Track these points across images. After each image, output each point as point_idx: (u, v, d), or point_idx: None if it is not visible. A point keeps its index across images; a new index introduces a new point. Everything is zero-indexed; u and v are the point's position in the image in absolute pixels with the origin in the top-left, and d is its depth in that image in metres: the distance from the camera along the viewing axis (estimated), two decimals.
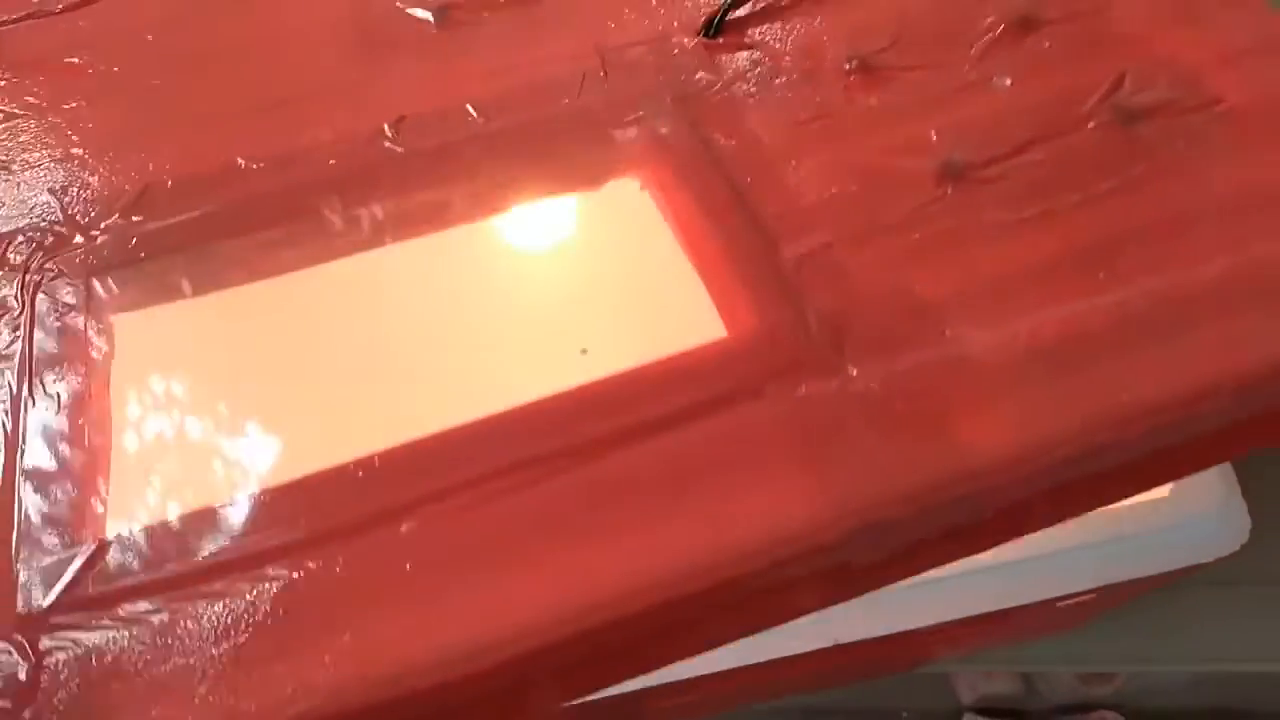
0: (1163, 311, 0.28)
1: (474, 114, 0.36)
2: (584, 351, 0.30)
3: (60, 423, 0.30)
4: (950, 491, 0.26)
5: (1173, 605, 0.49)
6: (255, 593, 0.25)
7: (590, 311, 0.32)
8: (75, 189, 0.35)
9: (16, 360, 0.31)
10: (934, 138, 0.33)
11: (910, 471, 0.26)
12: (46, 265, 0.33)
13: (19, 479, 0.28)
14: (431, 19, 0.39)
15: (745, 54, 0.37)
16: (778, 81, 0.36)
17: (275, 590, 0.25)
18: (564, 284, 0.33)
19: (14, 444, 0.29)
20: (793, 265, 0.30)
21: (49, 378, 0.31)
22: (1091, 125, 0.33)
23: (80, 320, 0.32)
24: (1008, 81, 0.35)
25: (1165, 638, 0.49)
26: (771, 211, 0.32)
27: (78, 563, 0.26)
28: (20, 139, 0.37)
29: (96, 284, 0.33)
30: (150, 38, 0.40)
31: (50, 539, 0.27)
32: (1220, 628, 0.49)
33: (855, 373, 0.28)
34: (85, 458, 0.29)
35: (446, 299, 0.33)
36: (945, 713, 0.60)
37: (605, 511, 0.26)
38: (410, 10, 0.40)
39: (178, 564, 0.26)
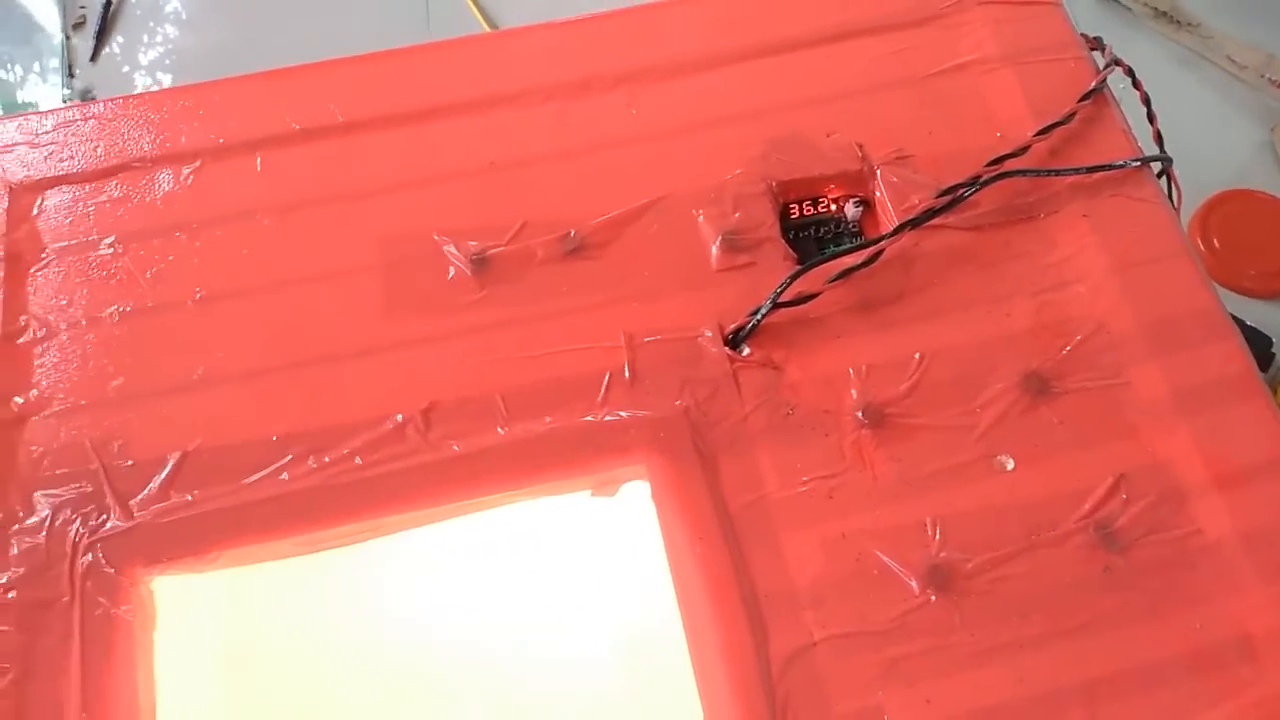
0: None
1: (502, 408, 0.37)
2: None
3: None
4: None
5: None
6: None
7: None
8: (115, 445, 0.37)
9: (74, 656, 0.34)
10: (929, 530, 0.35)
11: None
12: (93, 545, 0.35)
13: None
14: (469, 270, 0.40)
15: (766, 374, 0.38)
16: (791, 418, 0.37)
17: None
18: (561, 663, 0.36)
19: None
20: (780, 668, 0.33)
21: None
22: (1074, 544, 0.35)
23: (125, 610, 0.35)
24: (1009, 464, 0.36)
25: None
26: (767, 589, 0.35)
27: None
28: (62, 371, 0.38)
29: (139, 569, 0.35)
30: (183, 273, 0.40)
31: None
32: None
33: None
34: None
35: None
36: None
37: None
38: (446, 249, 0.40)
39: None
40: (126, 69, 0.82)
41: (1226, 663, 0.33)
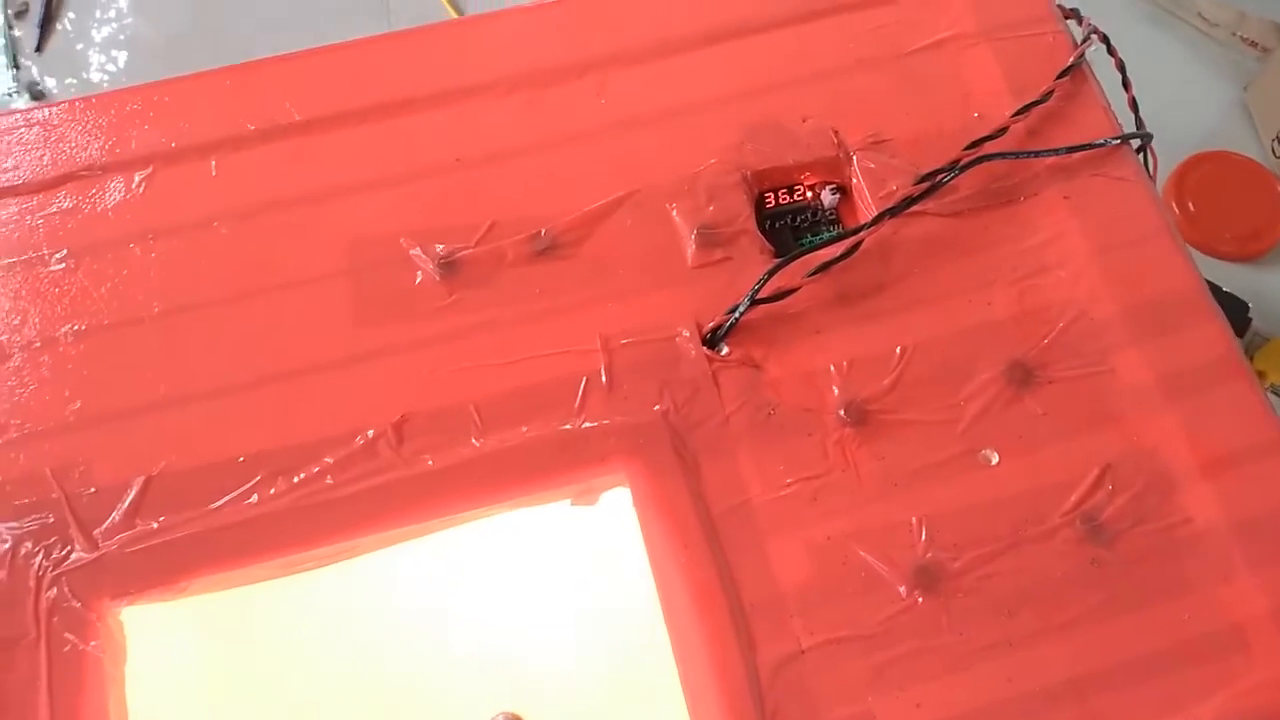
0: None
1: (476, 419, 0.36)
2: None
3: None
4: None
5: None
6: None
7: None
8: (76, 472, 0.36)
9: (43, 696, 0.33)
10: (915, 529, 0.35)
11: None
12: (57, 579, 0.34)
13: None
14: (437, 275, 0.39)
15: (746, 374, 0.37)
16: (773, 418, 0.36)
17: None
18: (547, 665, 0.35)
19: None
20: (769, 676, 0.33)
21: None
22: (1061, 538, 0.35)
23: (94, 646, 0.34)
24: (994, 459, 0.36)
25: None
26: (753, 596, 0.34)
27: None
28: (17, 396, 0.37)
29: (107, 601, 0.34)
30: (139, 287, 0.38)
31: None
32: None
33: None
34: None
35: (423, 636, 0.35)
36: None
37: None
38: (413, 253, 0.39)
39: None
40: (79, 47, 0.79)
41: (1218, 652, 0.33)
